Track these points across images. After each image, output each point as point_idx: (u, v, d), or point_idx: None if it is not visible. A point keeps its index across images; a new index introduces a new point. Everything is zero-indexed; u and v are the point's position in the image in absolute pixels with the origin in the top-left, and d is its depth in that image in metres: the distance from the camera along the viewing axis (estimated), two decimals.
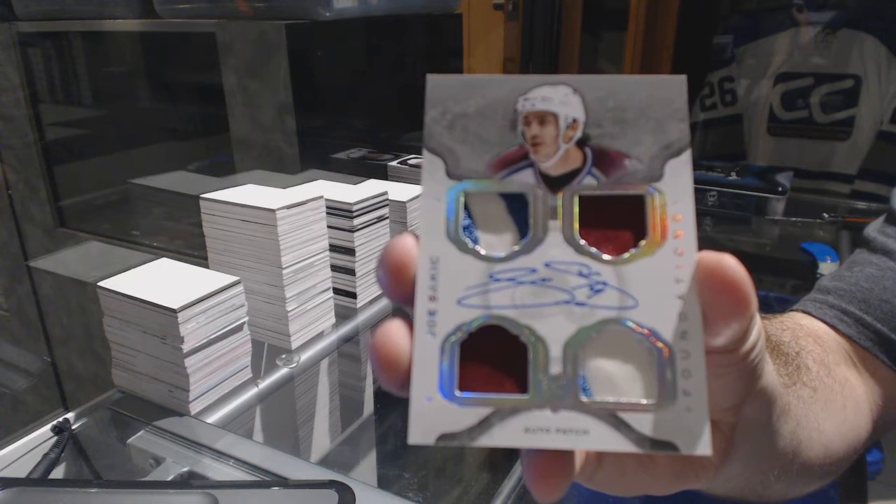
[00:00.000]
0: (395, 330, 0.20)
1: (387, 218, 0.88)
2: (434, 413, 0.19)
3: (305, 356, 0.76)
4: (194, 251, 1.05)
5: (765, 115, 1.69)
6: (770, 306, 1.00)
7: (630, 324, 0.19)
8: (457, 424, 0.19)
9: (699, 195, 1.23)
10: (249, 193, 0.76)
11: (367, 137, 1.23)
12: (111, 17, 1.21)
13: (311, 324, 0.78)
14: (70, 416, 0.64)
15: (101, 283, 0.64)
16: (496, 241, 0.20)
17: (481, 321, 0.20)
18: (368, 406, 0.79)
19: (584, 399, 0.19)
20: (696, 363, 0.19)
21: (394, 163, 1.12)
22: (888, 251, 0.43)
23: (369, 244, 0.85)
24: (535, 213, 0.20)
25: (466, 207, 0.20)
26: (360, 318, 0.85)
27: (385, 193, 0.86)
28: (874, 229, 0.46)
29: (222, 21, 1.05)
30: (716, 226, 1.22)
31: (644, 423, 0.19)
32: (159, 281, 0.65)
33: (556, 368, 0.19)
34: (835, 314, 0.42)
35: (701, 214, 1.24)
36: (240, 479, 0.56)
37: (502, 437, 0.19)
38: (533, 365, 0.20)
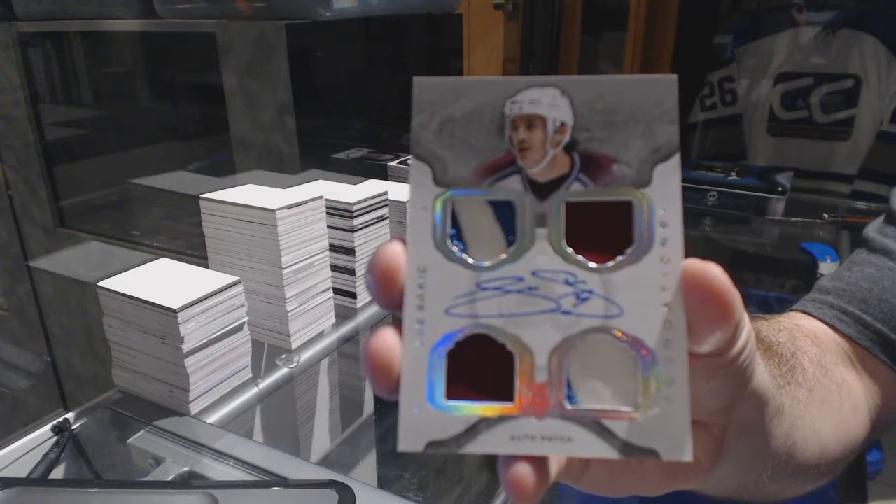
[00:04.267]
0: (387, 337, 0.20)
1: (387, 218, 0.88)
2: (423, 421, 0.19)
3: (305, 356, 0.76)
4: (194, 251, 1.05)
5: (765, 115, 1.69)
6: (770, 306, 1.00)
7: (615, 332, 0.20)
8: (445, 432, 0.19)
9: (699, 195, 1.23)
10: (249, 193, 0.76)
11: (367, 137, 1.23)
12: (111, 17, 1.21)
13: (311, 324, 0.78)
14: (70, 416, 0.64)
15: (101, 283, 0.64)
16: (483, 250, 0.20)
17: (469, 330, 0.20)
18: (368, 406, 0.79)
19: (568, 407, 0.20)
20: (679, 371, 0.19)
21: (394, 163, 1.12)
22: (887, 251, 0.43)
23: (369, 244, 0.85)
24: (522, 221, 0.20)
25: (454, 215, 0.20)
26: (360, 318, 0.85)
27: (385, 193, 0.86)
28: (873, 229, 0.46)
29: (222, 21, 1.05)
30: (716, 226, 1.22)
31: (627, 430, 0.19)
32: (159, 281, 0.65)
33: (541, 377, 0.20)
34: (834, 314, 0.42)
35: (701, 214, 1.24)
36: (240, 479, 0.56)
37: (489, 444, 0.19)
38: (519, 373, 0.20)
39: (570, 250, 0.20)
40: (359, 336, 0.84)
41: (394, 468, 0.67)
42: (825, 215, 1.20)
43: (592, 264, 0.20)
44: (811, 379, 0.34)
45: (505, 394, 0.20)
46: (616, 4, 1.78)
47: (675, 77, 0.20)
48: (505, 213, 0.20)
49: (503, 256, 0.20)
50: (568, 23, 1.76)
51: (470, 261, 0.20)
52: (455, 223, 0.21)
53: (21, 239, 1.50)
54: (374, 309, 0.87)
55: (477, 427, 0.19)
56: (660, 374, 0.19)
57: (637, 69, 1.69)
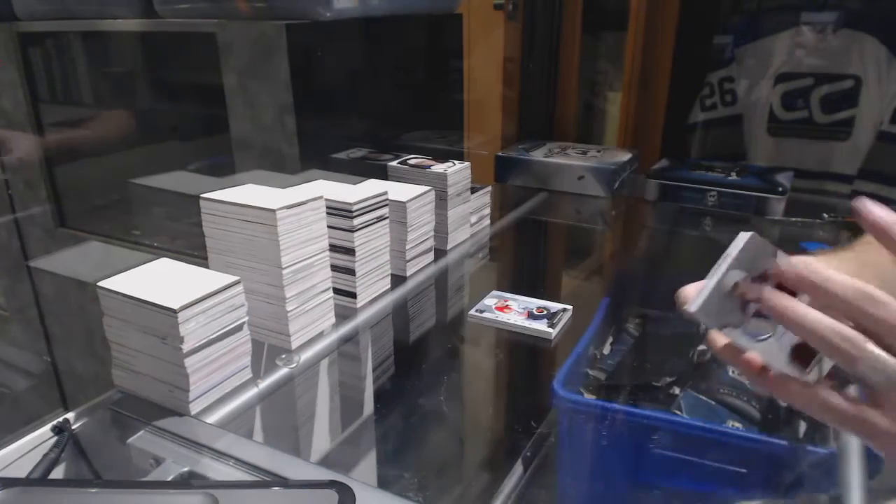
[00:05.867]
0: None
1: (387, 218, 0.88)
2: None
3: (305, 356, 0.76)
4: (194, 251, 1.05)
5: (765, 115, 1.69)
6: None
7: None
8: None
9: (699, 195, 1.24)
10: (249, 193, 0.76)
11: (367, 137, 1.23)
12: (111, 17, 1.22)
13: (311, 324, 0.78)
14: (70, 416, 0.64)
15: (102, 283, 0.64)
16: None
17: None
18: (368, 406, 0.79)
19: None
20: None
21: (394, 163, 1.12)
22: None
23: (369, 244, 0.85)
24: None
25: None
26: (360, 317, 0.85)
27: (385, 193, 0.87)
28: None
29: (222, 21, 1.05)
30: (716, 226, 1.22)
31: None
32: (159, 281, 0.65)
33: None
34: None
35: (701, 214, 1.24)
36: (240, 479, 0.56)
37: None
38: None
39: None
40: (359, 336, 0.84)
41: (394, 468, 0.67)
42: (825, 215, 1.20)
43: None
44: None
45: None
46: (616, 4, 1.78)
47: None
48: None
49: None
50: (568, 22, 1.75)
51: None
52: None
53: (21, 239, 1.50)
54: (374, 309, 0.87)
55: None
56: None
57: (637, 69, 1.69)
